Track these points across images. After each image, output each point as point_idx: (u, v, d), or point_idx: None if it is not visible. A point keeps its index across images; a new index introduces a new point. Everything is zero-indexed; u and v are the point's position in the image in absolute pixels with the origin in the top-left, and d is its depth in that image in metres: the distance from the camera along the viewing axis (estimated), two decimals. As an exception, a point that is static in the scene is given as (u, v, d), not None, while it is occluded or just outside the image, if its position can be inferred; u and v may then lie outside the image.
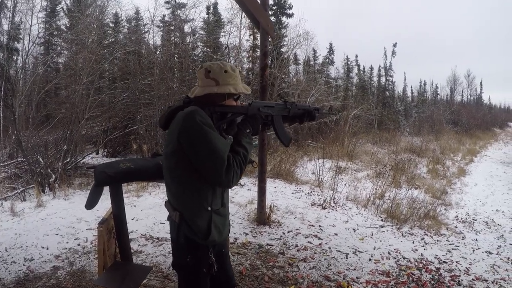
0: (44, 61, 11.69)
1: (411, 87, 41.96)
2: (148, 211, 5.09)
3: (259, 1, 4.56)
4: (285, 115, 2.11)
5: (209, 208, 1.73)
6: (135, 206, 5.33)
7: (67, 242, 4.03)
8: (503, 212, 7.46)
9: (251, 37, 18.29)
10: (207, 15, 17.97)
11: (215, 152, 1.59)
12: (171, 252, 3.74)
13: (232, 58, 15.50)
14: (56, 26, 18.37)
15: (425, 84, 42.15)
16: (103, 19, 12.78)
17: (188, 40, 13.95)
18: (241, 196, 6.12)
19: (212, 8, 18.31)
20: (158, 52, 11.75)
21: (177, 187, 1.74)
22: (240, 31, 17.05)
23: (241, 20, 16.84)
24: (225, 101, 1.80)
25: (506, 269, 4.42)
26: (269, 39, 5.03)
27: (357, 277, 3.68)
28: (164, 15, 15.71)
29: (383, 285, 3.58)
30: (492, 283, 3.94)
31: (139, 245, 4.01)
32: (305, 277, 3.55)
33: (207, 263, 1.79)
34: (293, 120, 2.20)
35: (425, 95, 41.31)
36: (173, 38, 12.87)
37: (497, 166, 13.78)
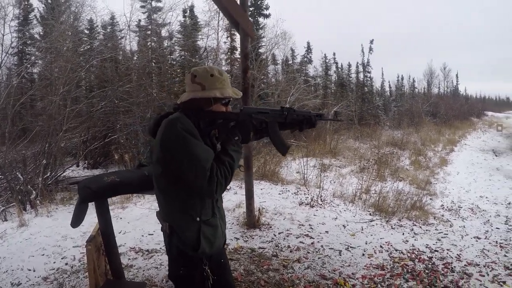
0: (18, 72, 11.32)
1: (389, 82, 42.38)
2: (135, 223, 4.94)
3: (238, 2, 4.49)
4: (281, 122, 1.97)
5: (198, 219, 1.67)
6: (121, 218, 5.17)
7: (54, 262, 3.86)
8: (486, 197, 7.70)
9: (229, 39, 18.26)
10: (183, 19, 17.81)
11: (196, 162, 1.54)
12: (162, 264, 3.68)
13: (210, 60, 15.43)
14: (29, 34, 17.83)
15: (402, 78, 42.81)
16: (77, 25, 12.48)
17: (166, 44, 13.79)
18: (228, 200, 6.04)
19: (188, 11, 18.15)
20: (135, 58, 11.57)
21: (164, 197, 1.70)
22: (217, 34, 17.00)
23: (218, 22, 16.80)
24: (212, 106, 1.73)
25: (496, 252, 4.55)
26: (249, 40, 4.96)
27: (352, 273, 3.69)
28: (139, 20, 15.47)
29: (379, 279, 3.60)
30: (484, 267, 4.04)
31: (129, 259, 3.88)
32: (301, 277, 3.52)
33: (201, 275, 1.73)
34: (292, 126, 2.04)
35: (402, 89, 41.91)
36: (149, 43, 12.69)
37: (477, 154, 14.19)
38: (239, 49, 18.05)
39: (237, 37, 17.90)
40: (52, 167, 7.25)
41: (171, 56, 14.00)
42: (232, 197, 6.26)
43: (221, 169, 1.60)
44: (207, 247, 1.70)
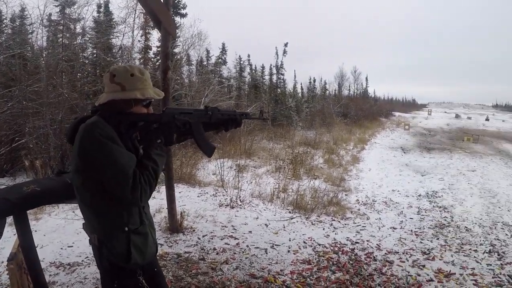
0: None
1: (301, 84, 43.72)
2: (52, 235, 4.54)
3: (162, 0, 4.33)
4: (206, 122, 1.92)
5: (126, 229, 1.62)
6: (35, 231, 4.69)
7: (-33, 287, 3.42)
8: (398, 191, 8.31)
9: (143, 37, 17.62)
10: (98, 14, 16.70)
11: (117, 168, 1.48)
12: (86, 277, 3.49)
13: (125, 59, 14.71)
14: None
15: (314, 81, 44.46)
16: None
17: (78, 41, 12.87)
18: (146, 206, 5.86)
19: (103, 6, 17.05)
20: (44, 55, 10.63)
21: (88, 208, 1.61)
22: (133, 32, 16.30)
23: (134, 20, 16.13)
24: (133, 108, 1.66)
25: (412, 240, 5.04)
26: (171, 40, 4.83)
27: (281, 270, 3.84)
28: (50, 14, 14.11)
29: (307, 273, 3.80)
30: (403, 254, 4.48)
31: (50, 275, 3.56)
32: (231, 279, 3.58)
33: (137, 286, 1.69)
34: (217, 127, 2.01)
35: (314, 91, 43.68)
36: (61, 39, 11.71)
37: (387, 151, 15.22)
38: (153, 49, 17.57)
39: (152, 36, 17.35)
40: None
41: (83, 54, 13.09)
42: (151, 202, 6.05)
43: (145, 175, 1.56)
44: (139, 258, 1.66)
